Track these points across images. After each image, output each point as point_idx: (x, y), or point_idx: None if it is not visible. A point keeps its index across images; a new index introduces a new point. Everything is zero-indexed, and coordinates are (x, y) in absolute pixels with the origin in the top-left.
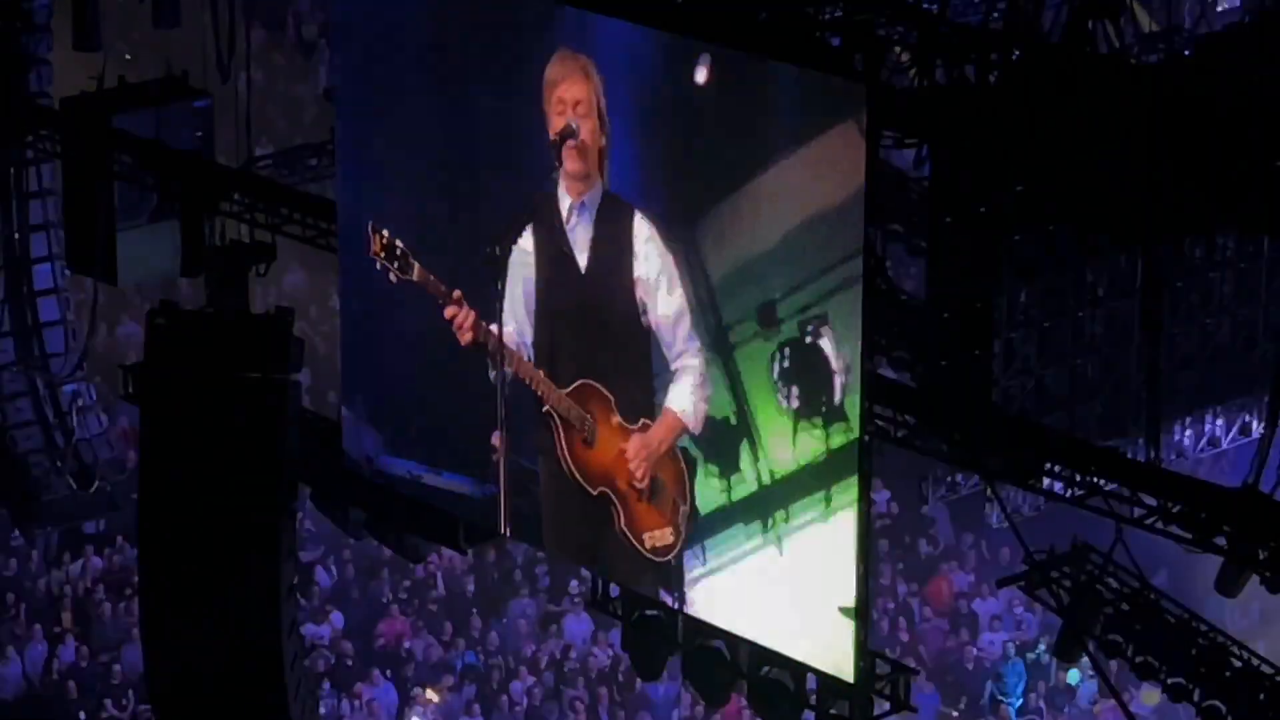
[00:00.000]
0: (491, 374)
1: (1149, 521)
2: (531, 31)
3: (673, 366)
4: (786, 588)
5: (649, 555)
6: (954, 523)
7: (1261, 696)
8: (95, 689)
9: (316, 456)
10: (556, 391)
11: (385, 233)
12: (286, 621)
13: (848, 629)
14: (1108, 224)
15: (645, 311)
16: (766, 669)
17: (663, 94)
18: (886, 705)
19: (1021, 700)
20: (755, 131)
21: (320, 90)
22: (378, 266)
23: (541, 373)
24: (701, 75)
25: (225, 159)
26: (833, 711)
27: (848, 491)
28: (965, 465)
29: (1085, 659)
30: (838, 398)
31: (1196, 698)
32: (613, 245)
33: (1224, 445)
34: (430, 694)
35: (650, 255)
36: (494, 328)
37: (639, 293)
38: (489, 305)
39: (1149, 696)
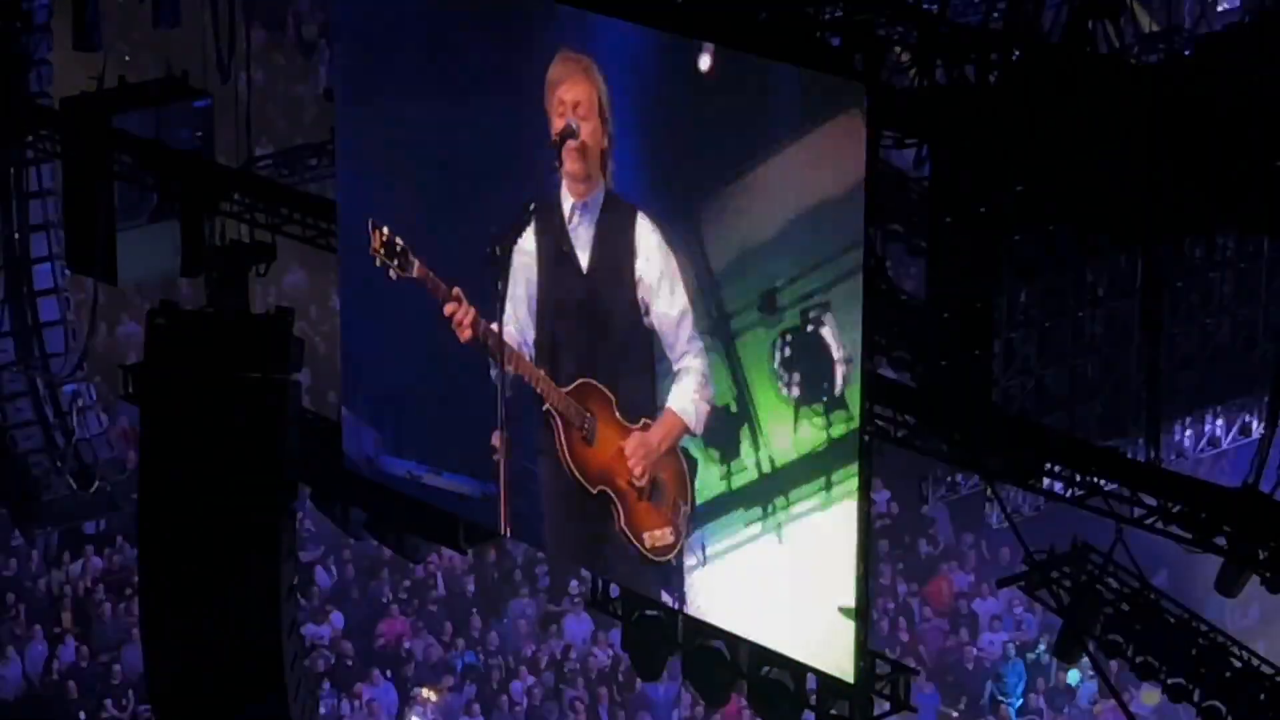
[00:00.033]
0: (493, 373)
1: (1149, 521)
2: (533, 31)
3: (675, 367)
4: (786, 577)
5: (649, 555)
6: (954, 523)
7: (1261, 696)
8: (95, 689)
9: (316, 456)
10: (557, 390)
11: (385, 230)
12: (286, 621)
13: (848, 629)
14: (1108, 224)
15: (647, 312)
16: (766, 669)
17: (665, 90)
18: (886, 705)
19: (1021, 700)
20: (757, 121)
21: (320, 90)
22: (377, 264)
23: (542, 371)
24: (705, 63)
25: (225, 159)
26: (833, 711)
27: (848, 481)
28: (965, 465)
29: (1085, 659)
30: (839, 386)
31: (1196, 698)
32: (614, 245)
33: (1224, 445)
34: (429, 694)
35: (652, 255)
36: (494, 326)
37: (640, 292)
38: (489, 303)
39: (1149, 696)
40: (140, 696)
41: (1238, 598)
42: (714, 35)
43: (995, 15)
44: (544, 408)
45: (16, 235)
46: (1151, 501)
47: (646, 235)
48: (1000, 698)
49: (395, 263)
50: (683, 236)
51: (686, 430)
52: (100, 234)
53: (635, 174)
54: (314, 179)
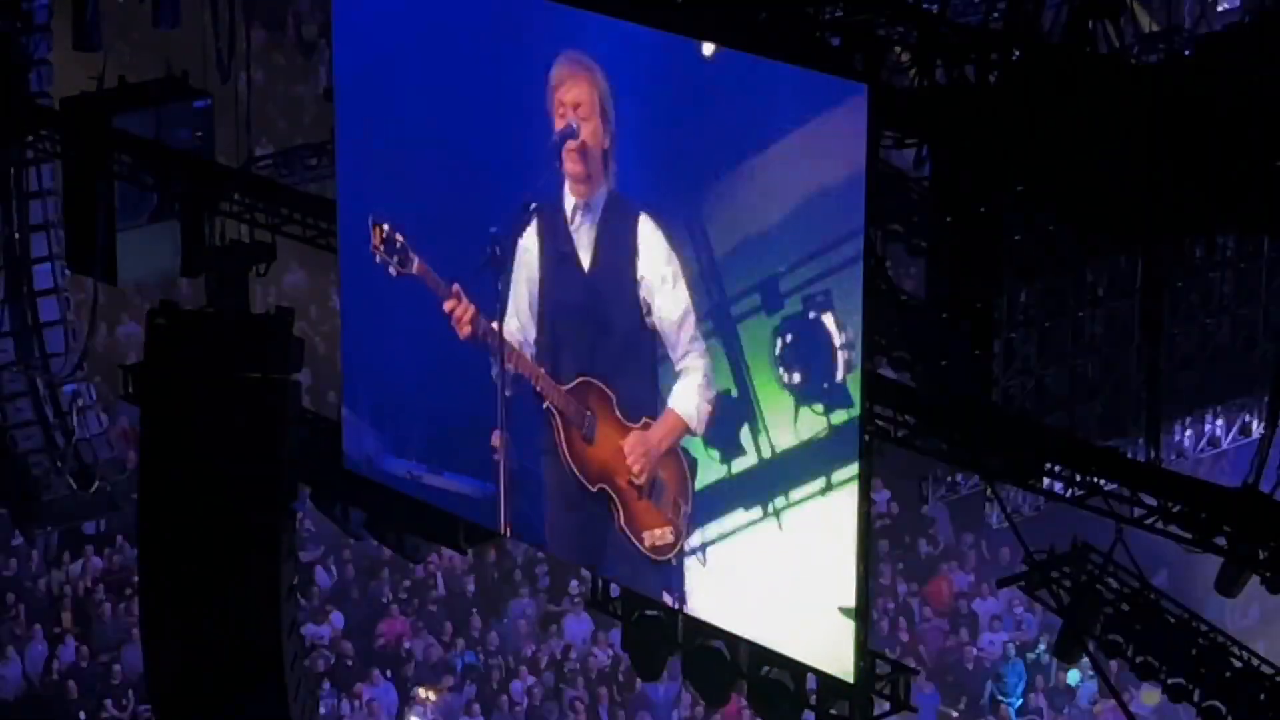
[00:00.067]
0: (493, 371)
1: (1149, 521)
2: (534, 32)
3: (676, 367)
4: (785, 565)
5: (649, 554)
6: (954, 523)
7: (1261, 696)
8: (95, 689)
9: (316, 456)
10: (557, 388)
11: (386, 226)
12: (286, 621)
13: (848, 629)
14: (1108, 224)
15: (649, 312)
16: (766, 669)
17: (668, 85)
18: (886, 705)
19: (1021, 700)
20: (759, 109)
21: (320, 90)
22: (377, 260)
23: (542, 370)
24: (708, 48)
25: (225, 159)
26: (833, 711)
27: (848, 469)
28: (965, 465)
29: (1085, 659)
30: (839, 375)
31: (1196, 698)
32: (616, 245)
33: (1224, 445)
34: (429, 694)
35: (655, 256)
36: (494, 324)
37: (642, 292)
38: (489, 302)
39: (1149, 696)
40: (140, 696)
41: (1238, 598)
42: (714, 35)
43: (995, 15)
44: (544, 406)
45: (16, 235)
46: (1151, 501)
47: (649, 236)
48: (1000, 698)
49: (395, 259)
50: (685, 225)
51: (687, 430)
52: (100, 234)
53: (638, 172)
54: (314, 179)
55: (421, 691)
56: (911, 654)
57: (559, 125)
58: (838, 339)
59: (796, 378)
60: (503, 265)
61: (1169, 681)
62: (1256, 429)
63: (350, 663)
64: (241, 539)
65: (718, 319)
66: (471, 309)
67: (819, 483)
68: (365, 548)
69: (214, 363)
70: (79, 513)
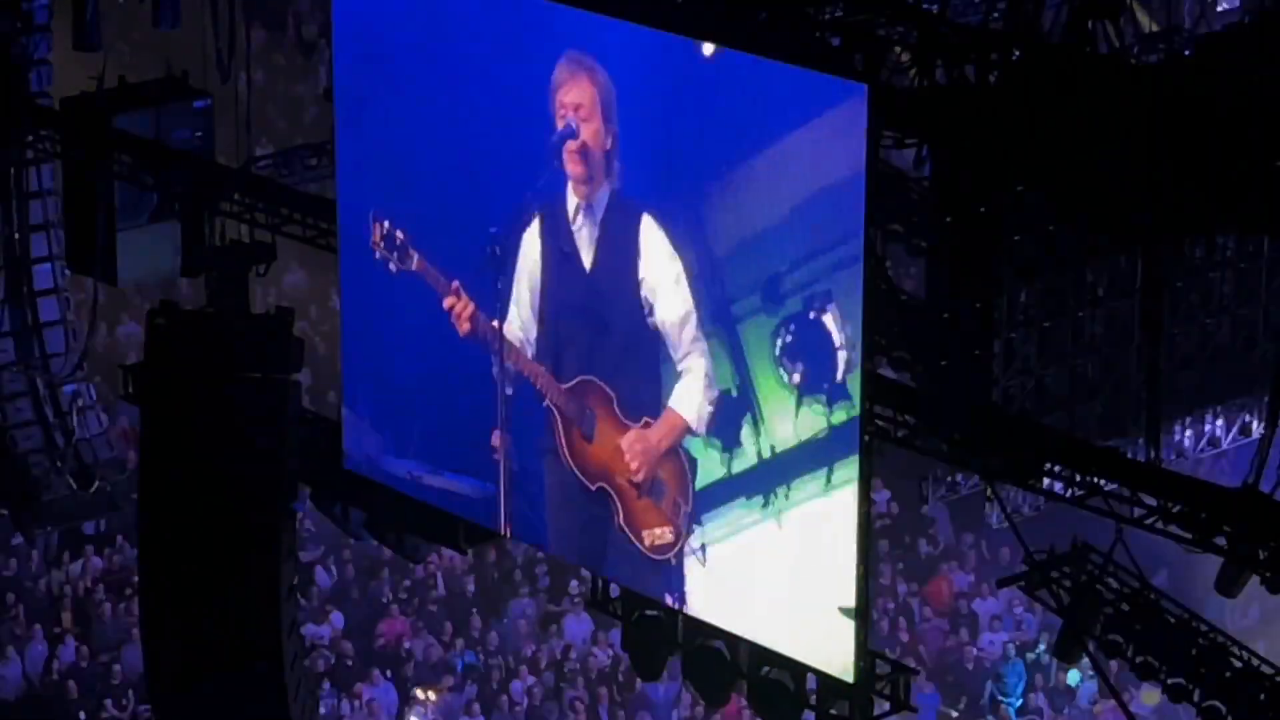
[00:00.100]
0: (494, 370)
1: (1149, 521)
2: (537, 32)
3: (677, 367)
4: (785, 564)
5: (648, 553)
6: (954, 523)
7: (1261, 696)
8: (95, 689)
9: (316, 456)
10: (557, 386)
11: (386, 223)
12: (286, 621)
13: (848, 629)
14: (1108, 224)
15: (650, 312)
16: (766, 669)
17: (670, 84)
18: (886, 705)
19: (1021, 700)
20: (759, 108)
21: (320, 90)
22: (377, 255)
23: (542, 368)
24: (708, 48)
25: (225, 159)
26: (833, 711)
27: (849, 468)
28: (965, 465)
29: (1085, 659)
30: (840, 374)
31: (1196, 698)
32: (619, 245)
33: (1224, 445)
34: (429, 694)
35: (657, 256)
36: (494, 323)
37: (644, 292)
38: (489, 302)
39: (1149, 696)
40: (140, 696)
41: (1237, 598)
42: (714, 35)
43: (995, 15)
44: (544, 404)
45: (16, 235)
46: (1151, 501)
47: (651, 236)
48: (1000, 698)
49: (395, 255)
50: (686, 224)
51: (688, 430)
52: (100, 234)
53: (641, 172)
54: (314, 179)
55: (421, 692)
56: (911, 654)
57: (559, 126)
58: (838, 338)
59: (797, 376)
60: (502, 265)
61: (1169, 681)
62: (1256, 429)
63: (350, 663)
64: (241, 539)
65: (719, 318)
66: (471, 305)
67: (819, 481)
68: (365, 548)
69: (214, 363)
70: (79, 513)
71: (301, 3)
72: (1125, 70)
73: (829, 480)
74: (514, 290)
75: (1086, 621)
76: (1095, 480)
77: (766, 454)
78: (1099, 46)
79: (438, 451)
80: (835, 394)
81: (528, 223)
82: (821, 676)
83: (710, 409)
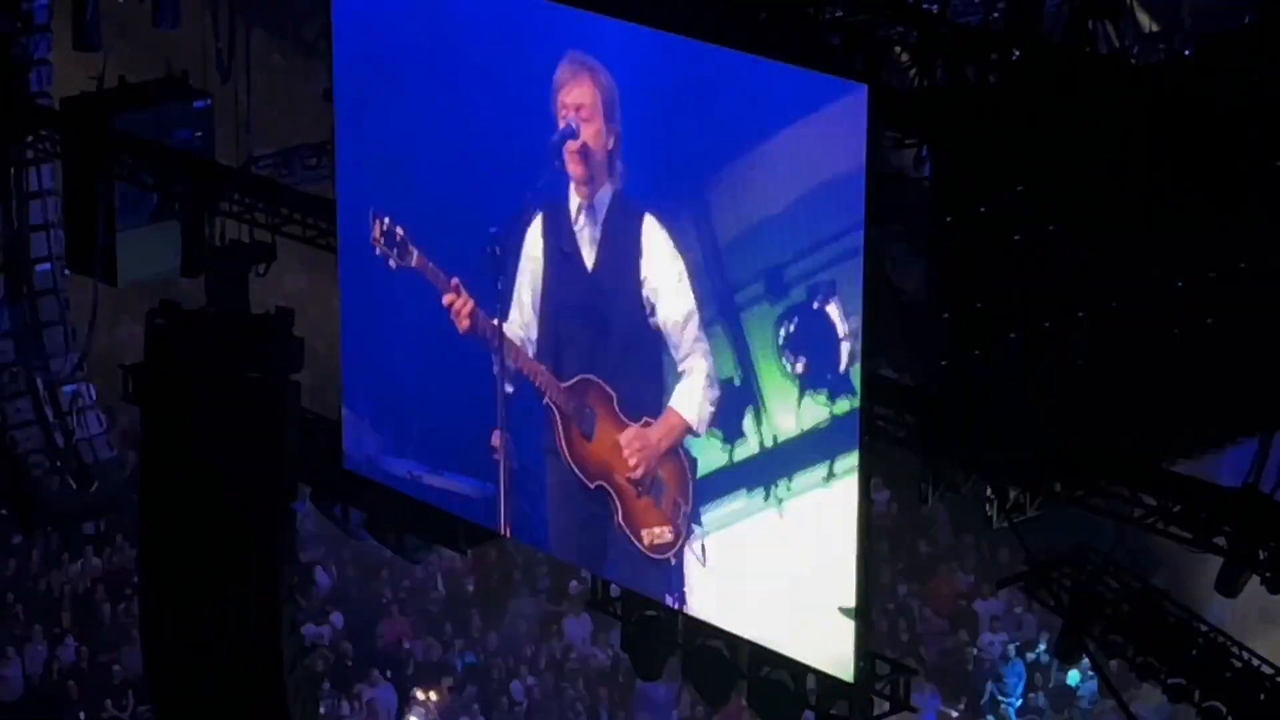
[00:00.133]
0: (494, 369)
1: (1149, 521)
2: (539, 32)
3: (679, 367)
4: (785, 557)
5: (647, 552)
6: (954, 523)
7: (1261, 696)
8: (95, 689)
9: (316, 456)
10: (556, 384)
11: (386, 219)
12: (286, 621)
13: (848, 629)
14: (1108, 224)
15: (653, 312)
16: (766, 669)
17: (671, 82)
18: (886, 705)
19: (1021, 700)
20: (762, 101)
21: (320, 90)
22: (377, 251)
23: (542, 367)
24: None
25: (225, 159)
26: (833, 711)
27: (850, 459)
28: (965, 465)
29: (1085, 659)
30: (843, 365)
31: (1196, 698)
32: (621, 245)
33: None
34: (429, 694)
35: (659, 256)
36: (495, 321)
37: (645, 292)
38: (489, 302)
39: (1149, 696)
40: (140, 696)
41: (1237, 598)
42: (714, 35)
43: (995, 15)
44: (544, 402)
45: (17, 235)
46: (1151, 501)
47: (654, 236)
48: (1000, 698)
49: (395, 251)
50: (690, 212)
51: (689, 430)
52: (100, 234)
53: (643, 171)
54: (314, 179)
55: (421, 692)
56: (911, 654)
57: (560, 126)
58: (841, 329)
59: (800, 366)
60: (503, 265)
61: (1169, 681)
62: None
63: (350, 663)
64: (241, 539)
65: (722, 306)
66: (471, 302)
67: (821, 471)
68: (365, 548)
69: (214, 363)
70: (79, 513)
71: (301, 3)
72: (1125, 70)
73: (831, 471)
74: (515, 289)
75: (1086, 621)
76: (1095, 480)
77: (769, 443)
78: (1099, 46)
79: (437, 451)
80: (838, 385)
81: (529, 223)
82: (821, 676)
83: (711, 409)
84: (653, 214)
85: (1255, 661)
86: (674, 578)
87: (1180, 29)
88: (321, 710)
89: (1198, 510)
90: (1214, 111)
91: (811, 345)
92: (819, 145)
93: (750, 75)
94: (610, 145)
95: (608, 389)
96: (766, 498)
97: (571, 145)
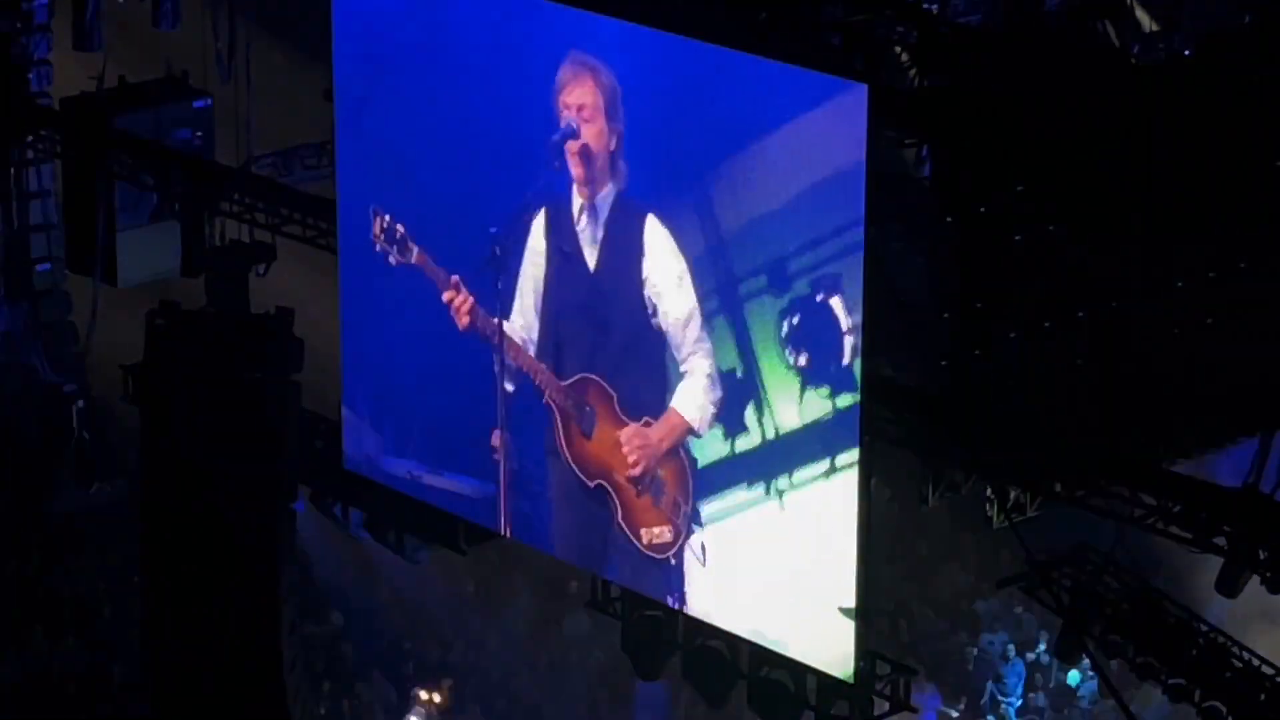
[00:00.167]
0: (495, 367)
1: (1149, 521)
2: (541, 33)
3: (681, 368)
4: (786, 552)
5: (646, 552)
6: (954, 523)
7: (1261, 696)
8: (95, 689)
9: (316, 456)
10: (556, 383)
11: (386, 217)
12: (286, 621)
13: (848, 629)
14: (1108, 224)
15: (655, 312)
16: (766, 669)
17: (673, 82)
18: (886, 705)
19: (1021, 700)
20: (764, 97)
21: (320, 90)
22: (377, 248)
23: (543, 365)
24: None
25: (225, 159)
26: (833, 712)
27: (852, 454)
28: (965, 465)
29: (1085, 659)
30: (847, 359)
31: (1196, 698)
32: (623, 245)
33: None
34: (429, 694)
35: (662, 256)
36: (495, 320)
37: (647, 292)
38: (489, 302)
39: (1149, 696)
40: (140, 697)
41: (1237, 598)
42: (714, 35)
43: (995, 15)
44: (544, 400)
45: (17, 235)
46: (1151, 501)
47: (656, 236)
48: (1000, 698)
49: (395, 248)
50: (693, 205)
51: (690, 431)
52: (100, 234)
53: (646, 171)
54: (314, 179)
55: (422, 692)
56: (911, 654)
57: (562, 126)
58: (845, 323)
59: (803, 359)
60: (502, 265)
61: (1169, 681)
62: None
63: (350, 663)
64: (241, 539)
65: (724, 297)
66: (470, 300)
67: (822, 465)
68: (365, 548)
69: (214, 363)
70: (79, 513)
71: (302, 3)
72: (1125, 70)
73: (832, 465)
74: (518, 289)
75: (1086, 621)
76: (1096, 480)
77: (770, 435)
78: (1099, 46)
79: (437, 451)
80: (841, 379)
81: (531, 222)
82: (821, 676)
83: (713, 409)
84: (655, 214)
85: (1255, 661)
86: (674, 578)
87: (1180, 29)
88: (321, 710)
89: (1198, 510)
90: (1214, 111)
91: (814, 339)
92: (821, 140)
93: (752, 73)
94: (612, 145)
95: (608, 388)
96: (767, 490)
97: (572, 145)
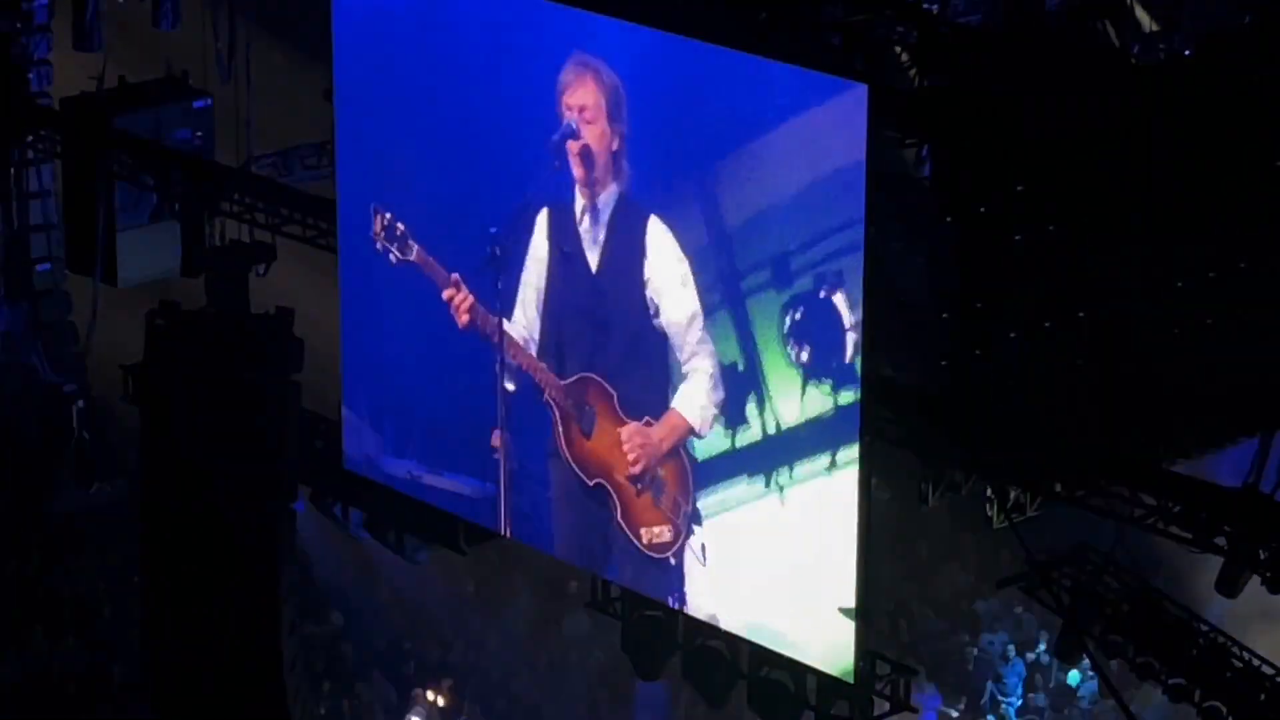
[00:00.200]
0: (495, 367)
1: (1149, 521)
2: (543, 33)
3: (683, 369)
4: (786, 548)
5: (647, 551)
6: (954, 523)
7: (1261, 696)
8: (95, 689)
9: (316, 456)
10: (556, 383)
11: (387, 215)
12: (286, 621)
13: (848, 629)
14: (1108, 224)
15: (657, 313)
16: (766, 669)
17: (676, 81)
18: (886, 705)
19: (1021, 700)
20: (766, 94)
21: (320, 90)
22: (378, 246)
23: (543, 365)
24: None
25: (225, 159)
26: (833, 712)
27: (853, 450)
28: (965, 465)
29: (1085, 659)
30: (849, 355)
31: (1196, 698)
32: (626, 246)
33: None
34: (429, 694)
35: (664, 257)
36: (496, 320)
37: (649, 293)
38: (488, 298)
39: (1149, 696)
40: (140, 697)
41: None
42: (714, 35)
43: (995, 15)
44: (544, 398)
45: (17, 235)
46: (1151, 501)
47: (659, 237)
48: (1000, 698)
49: (395, 246)
50: (697, 198)
51: (691, 431)
52: (100, 234)
53: (648, 171)
54: (314, 179)
55: (422, 692)
56: (911, 654)
57: (562, 126)
58: (848, 319)
59: (805, 355)
60: (502, 265)
61: (1169, 681)
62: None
63: (350, 663)
64: (241, 539)
65: (727, 291)
66: (470, 298)
67: (823, 461)
68: (365, 548)
69: (214, 363)
70: (79, 513)
71: (302, 3)
72: (1125, 70)
73: (833, 460)
74: (520, 289)
75: (1086, 621)
76: (1096, 480)
77: (771, 430)
78: (1099, 46)
79: (438, 451)
80: (843, 375)
81: (532, 223)
82: (821, 676)
83: (714, 411)
84: (658, 215)
85: (1255, 661)
86: (674, 578)
87: (1180, 29)
88: (321, 710)
89: (1198, 510)
90: (1214, 111)
91: (817, 335)
92: (823, 137)
93: (752, 73)
94: (615, 146)
95: (608, 387)
96: (768, 484)
97: (573, 146)
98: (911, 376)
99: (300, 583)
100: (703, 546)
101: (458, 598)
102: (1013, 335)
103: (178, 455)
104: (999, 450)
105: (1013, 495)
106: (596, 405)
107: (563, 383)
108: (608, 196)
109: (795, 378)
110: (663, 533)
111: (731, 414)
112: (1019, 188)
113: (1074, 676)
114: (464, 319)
